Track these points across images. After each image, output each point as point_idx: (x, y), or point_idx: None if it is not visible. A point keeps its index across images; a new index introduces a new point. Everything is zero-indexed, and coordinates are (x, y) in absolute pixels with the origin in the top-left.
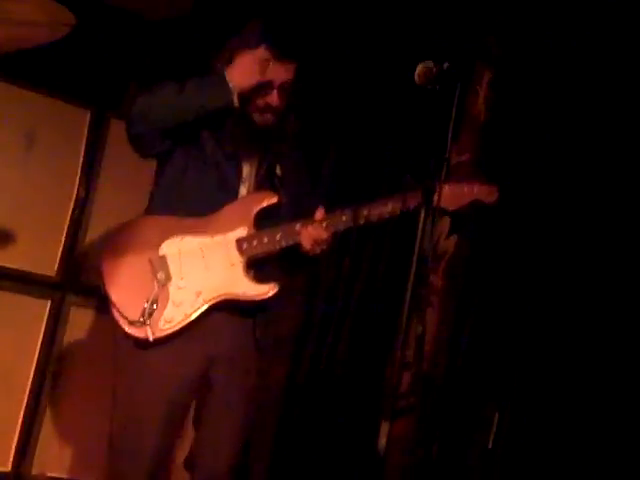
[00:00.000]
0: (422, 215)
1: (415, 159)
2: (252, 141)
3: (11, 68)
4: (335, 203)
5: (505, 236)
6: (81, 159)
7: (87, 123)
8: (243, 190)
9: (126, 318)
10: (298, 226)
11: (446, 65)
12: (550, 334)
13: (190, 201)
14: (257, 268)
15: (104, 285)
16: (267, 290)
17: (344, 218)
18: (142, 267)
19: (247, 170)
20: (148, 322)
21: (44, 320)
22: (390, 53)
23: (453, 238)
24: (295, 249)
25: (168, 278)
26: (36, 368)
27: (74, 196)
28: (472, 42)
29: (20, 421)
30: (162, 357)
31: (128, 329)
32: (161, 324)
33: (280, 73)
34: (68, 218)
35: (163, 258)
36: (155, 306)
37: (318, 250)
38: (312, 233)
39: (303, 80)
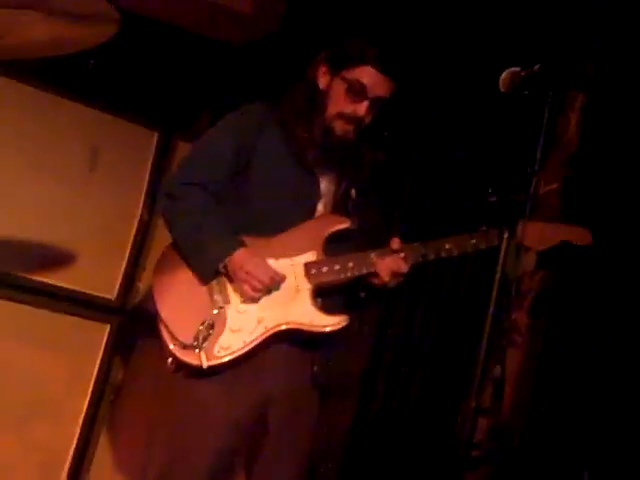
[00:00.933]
0: (504, 244)
1: (500, 174)
2: (330, 156)
3: (78, 85)
4: (411, 235)
5: (597, 274)
6: (146, 181)
7: (154, 145)
8: (320, 207)
9: (178, 340)
10: (373, 255)
11: (537, 67)
12: None
13: (262, 217)
14: (324, 298)
15: (154, 302)
16: (337, 321)
17: (424, 250)
18: (198, 287)
19: (325, 186)
20: (202, 347)
21: (102, 346)
22: (473, 66)
23: (540, 275)
24: (366, 280)
25: (226, 301)
26: (91, 397)
27: (137, 219)
28: (565, 62)
29: (72, 452)
30: (214, 395)
31: (179, 353)
32: (216, 350)
33: (379, 87)
34: (130, 241)
35: (222, 280)
36: (211, 331)
37: (394, 283)
38: (390, 264)
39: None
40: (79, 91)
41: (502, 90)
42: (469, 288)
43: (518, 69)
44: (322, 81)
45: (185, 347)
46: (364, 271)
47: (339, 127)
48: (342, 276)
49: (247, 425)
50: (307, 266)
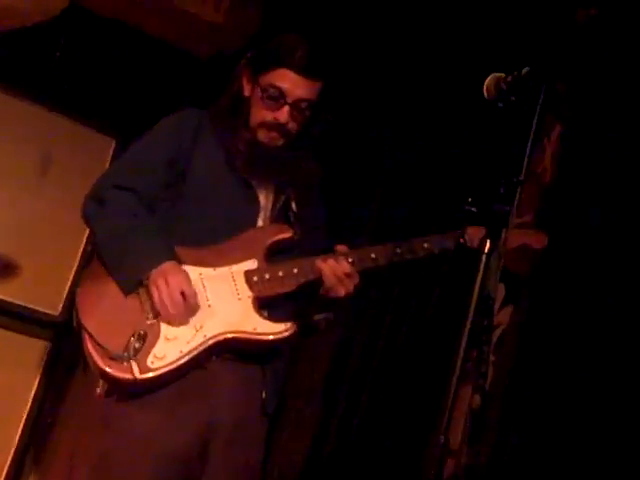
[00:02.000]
0: (483, 256)
1: (479, 183)
2: (262, 167)
3: (35, 86)
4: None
5: (568, 310)
6: None
7: (111, 153)
8: (260, 221)
9: (105, 351)
10: (319, 261)
11: (525, 71)
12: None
13: (198, 231)
14: (271, 309)
15: (77, 312)
16: (282, 329)
17: (373, 255)
18: (127, 299)
19: (263, 198)
20: (134, 358)
21: (41, 365)
22: (454, 69)
23: (508, 309)
24: (316, 295)
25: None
26: (27, 417)
27: (88, 231)
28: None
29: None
30: (149, 420)
31: (108, 367)
32: (149, 361)
33: (298, 90)
34: (79, 255)
35: None
36: (143, 342)
37: (342, 290)
38: (334, 267)
39: (334, 110)
40: (36, 92)
41: (486, 96)
42: (438, 311)
43: (503, 74)
44: (246, 87)
45: (114, 359)
46: (310, 277)
47: (263, 136)
48: (286, 282)
49: (187, 456)
50: (248, 274)
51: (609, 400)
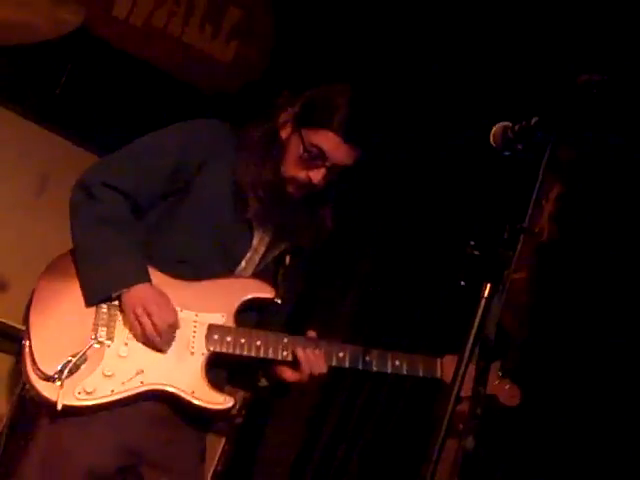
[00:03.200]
0: (482, 300)
1: (483, 228)
2: (271, 212)
3: (37, 107)
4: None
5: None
6: None
7: None
8: (243, 264)
9: (38, 368)
10: (287, 340)
11: (535, 120)
12: None
13: (178, 253)
14: (215, 368)
15: (28, 313)
16: (221, 401)
17: (341, 354)
18: (83, 315)
19: (256, 242)
20: (62, 383)
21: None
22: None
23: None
24: (273, 369)
25: (109, 338)
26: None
27: None
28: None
29: None
30: (73, 437)
31: (36, 383)
32: (77, 391)
33: (339, 155)
34: None
35: (113, 312)
36: (79, 367)
37: (308, 384)
38: (313, 360)
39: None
40: (39, 113)
41: (493, 144)
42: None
43: (510, 123)
44: (284, 129)
45: (46, 379)
46: (270, 355)
47: (290, 189)
48: (245, 352)
49: (105, 474)
50: (211, 329)
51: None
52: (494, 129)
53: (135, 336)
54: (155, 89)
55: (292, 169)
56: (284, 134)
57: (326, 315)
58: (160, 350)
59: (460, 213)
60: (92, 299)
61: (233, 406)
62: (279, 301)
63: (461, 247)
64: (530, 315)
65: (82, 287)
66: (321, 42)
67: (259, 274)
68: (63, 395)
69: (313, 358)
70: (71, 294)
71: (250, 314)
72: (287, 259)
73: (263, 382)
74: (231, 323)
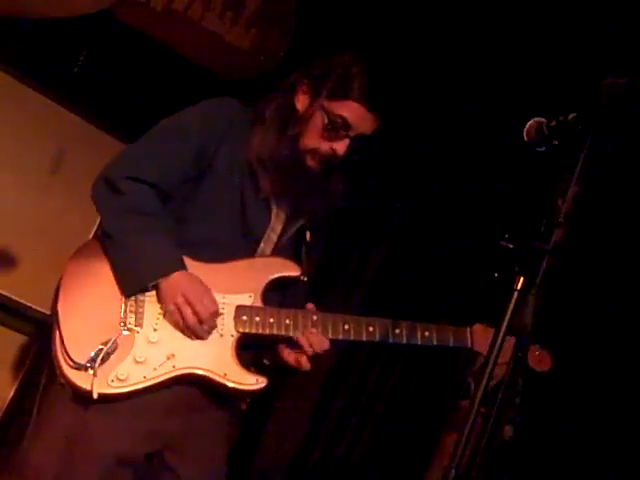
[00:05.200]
0: (515, 293)
1: (516, 222)
2: (289, 187)
3: (55, 85)
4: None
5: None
6: None
7: None
8: (262, 244)
9: (69, 357)
10: (315, 317)
11: (572, 116)
12: None
13: (199, 236)
14: (246, 350)
15: (56, 303)
16: (254, 382)
17: (371, 328)
18: (111, 302)
19: (274, 220)
20: (95, 371)
21: (26, 364)
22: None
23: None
24: (279, 349)
25: (138, 325)
26: (3, 415)
27: (92, 234)
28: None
29: None
30: (100, 424)
31: (69, 373)
32: (110, 379)
33: (363, 125)
34: None
35: (140, 299)
36: (110, 355)
37: (307, 365)
38: (314, 342)
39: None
40: (57, 91)
41: (526, 139)
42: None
43: (544, 119)
44: (301, 101)
45: (78, 367)
46: (298, 334)
47: (310, 162)
48: (275, 332)
49: (133, 460)
50: (239, 310)
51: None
52: (528, 125)
53: (172, 323)
54: (172, 72)
55: (314, 141)
56: (301, 106)
57: (344, 290)
58: (200, 338)
59: (496, 205)
60: (129, 290)
61: (266, 386)
62: (305, 278)
63: (496, 240)
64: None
65: (117, 278)
66: (341, 26)
67: (278, 252)
68: (98, 384)
69: (313, 338)
70: (99, 282)
71: (275, 293)
72: (307, 235)
73: (265, 362)
74: (259, 303)
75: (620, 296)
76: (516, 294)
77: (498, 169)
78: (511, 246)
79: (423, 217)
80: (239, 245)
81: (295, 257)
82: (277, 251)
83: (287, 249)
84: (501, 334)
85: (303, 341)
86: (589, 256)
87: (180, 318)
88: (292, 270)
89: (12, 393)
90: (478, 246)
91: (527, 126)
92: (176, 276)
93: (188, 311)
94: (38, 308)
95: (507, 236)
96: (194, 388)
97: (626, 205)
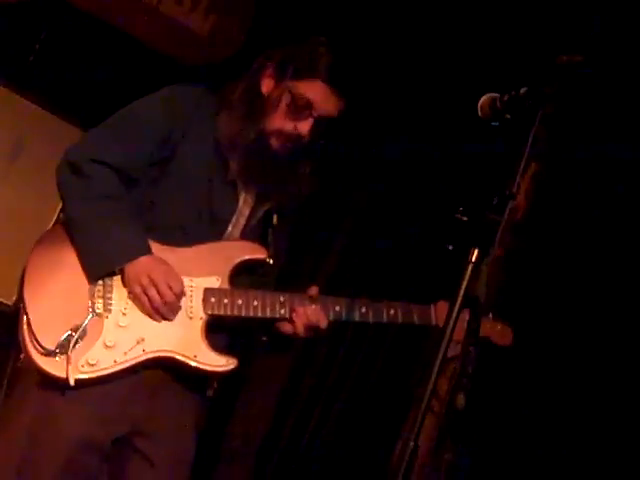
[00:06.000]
0: (469, 265)
1: (472, 195)
2: (256, 170)
3: (11, 73)
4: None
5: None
6: None
7: None
8: (230, 228)
9: (38, 344)
10: (284, 299)
11: (524, 90)
12: None
13: (165, 221)
14: (214, 332)
15: (22, 289)
16: (224, 363)
17: (337, 308)
18: (78, 287)
19: (243, 202)
20: (69, 358)
21: None
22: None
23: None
24: (273, 325)
25: (107, 310)
26: None
27: (52, 222)
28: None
29: None
30: (68, 411)
31: (39, 361)
32: (80, 364)
33: (327, 105)
34: None
35: (108, 284)
36: (79, 340)
37: (306, 335)
38: (311, 316)
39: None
40: (12, 79)
41: (480, 115)
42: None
43: (497, 94)
44: (266, 84)
45: (47, 354)
46: (268, 314)
47: (275, 144)
48: (243, 314)
49: (100, 445)
50: (207, 292)
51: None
52: (481, 100)
53: (140, 307)
54: (130, 59)
55: (278, 122)
56: (265, 89)
57: (312, 271)
58: (166, 319)
59: (449, 179)
60: (95, 274)
61: (236, 367)
62: (271, 261)
63: (450, 212)
64: (504, 294)
65: (83, 262)
66: (300, 11)
67: (246, 236)
68: (68, 369)
69: (311, 314)
70: (65, 268)
71: (243, 276)
72: (274, 219)
73: (264, 338)
74: (226, 286)
75: (581, 273)
76: (470, 266)
77: (453, 143)
78: (465, 219)
79: (382, 196)
80: (206, 229)
81: (262, 240)
82: (245, 235)
83: (255, 232)
84: (457, 306)
85: (300, 313)
86: (551, 233)
87: (146, 300)
88: (258, 253)
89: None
90: (433, 220)
91: (481, 101)
92: (142, 260)
93: (153, 292)
94: None
95: (461, 209)
96: (161, 371)
97: (587, 187)
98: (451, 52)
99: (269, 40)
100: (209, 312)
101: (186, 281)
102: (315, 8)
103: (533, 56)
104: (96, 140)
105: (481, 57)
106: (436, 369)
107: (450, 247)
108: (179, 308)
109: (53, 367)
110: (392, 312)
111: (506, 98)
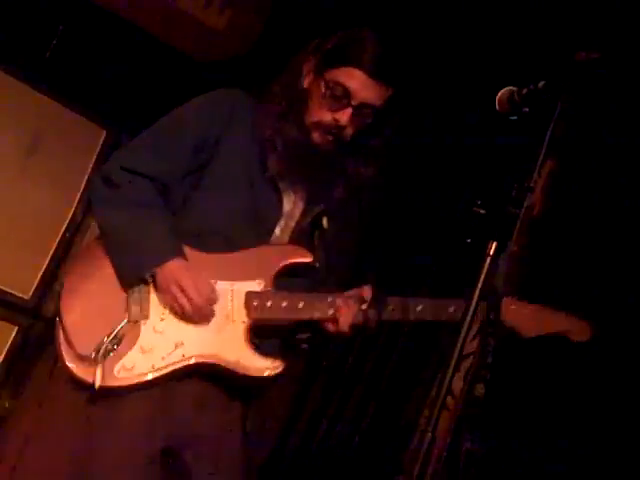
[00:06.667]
0: (487, 259)
1: (490, 188)
2: (300, 170)
3: (30, 69)
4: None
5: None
6: (84, 180)
7: (99, 144)
8: (277, 231)
9: (73, 349)
10: (332, 299)
11: (542, 84)
12: None
13: (207, 228)
14: (258, 337)
15: (60, 299)
16: (270, 366)
17: (391, 308)
18: (116, 292)
19: (288, 205)
20: (100, 362)
21: (5, 349)
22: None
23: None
24: (316, 324)
25: (144, 315)
26: None
27: (69, 218)
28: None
29: None
30: (103, 421)
31: (71, 365)
32: (116, 370)
33: (366, 93)
34: (57, 240)
35: (144, 290)
36: (116, 345)
37: (349, 334)
38: (356, 314)
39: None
40: (32, 75)
41: (498, 109)
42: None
43: (515, 88)
44: (306, 77)
45: (81, 359)
46: (315, 316)
47: (316, 137)
48: (288, 316)
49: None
50: (249, 296)
51: None
52: (500, 94)
53: (173, 314)
54: (146, 54)
55: (316, 114)
56: (306, 83)
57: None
58: (200, 324)
59: (468, 173)
60: (126, 281)
61: (282, 371)
62: (317, 265)
63: (468, 206)
64: (520, 289)
65: (116, 270)
66: (316, 7)
67: (296, 239)
68: (102, 375)
69: (358, 313)
70: (102, 277)
71: (288, 281)
72: (324, 221)
73: (303, 334)
74: (269, 290)
75: (598, 270)
76: (488, 259)
77: (471, 137)
78: (483, 212)
79: (398, 187)
80: (251, 233)
81: (310, 244)
82: (294, 238)
83: (304, 236)
84: (475, 298)
85: (344, 314)
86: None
87: (178, 307)
88: (304, 256)
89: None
90: (452, 213)
91: (499, 95)
92: (169, 265)
93: (184, 300)
94: (14, 292)
95: (479, 202)
96: (207, 383)
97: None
98: (469, 45)
99: (286, 34)
100: (252, 316)
101: (226, 285)
102: (331, 5)
103: (551, 49)
104: (128, 151)
105: (499, 51)
106: (454, 362)
107: (468, 240)
108: (212, 313)
109: (85, 373)
110: (451, 309)
111: (524, 91)
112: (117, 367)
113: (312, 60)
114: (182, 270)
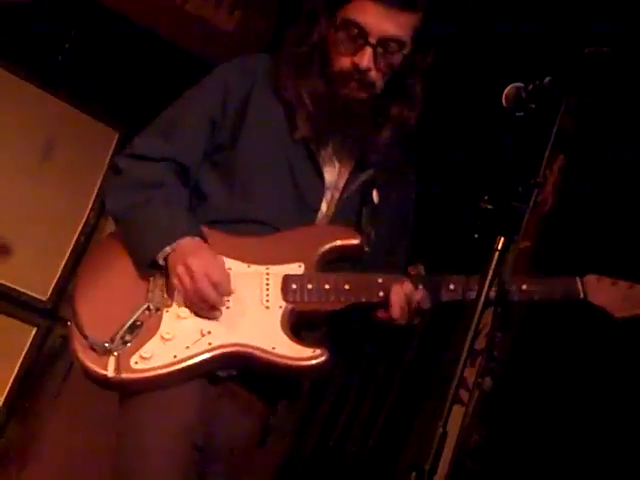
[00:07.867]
0: (496, 253)
1: (497, 183)
2: (339, 133)
3: (44, 73)
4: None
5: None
6: (99, 183)
7: (113, 146)
8: (324, 207)
9: (85, 337)
10: (382, 281)
11: (548, 80)
12: None
13: (238, 209)
14: (300, 327)
15: (74, 291)
16: (310, 355)
17: (452, 287)
18: (134, 283)
19: (330, 177)
20: (117, 351)
21: (24, 350)
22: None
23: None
24: (365, 312)
25: (166, 302)
26: (5, 401)
27: (83, 220)
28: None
29: None
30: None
31: (81, 354)
32: (133, 361)
33: (384, 25)
34: (73, 242)
35: (166, 274)
36: (134, 333)
37: (404, 322)
38: (410, 295)
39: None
40: (46, 79)
41: (505, 105)
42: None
43: (522, 84)
44: (320, 26)
45: (92, 347)
46: (362, 299)
47: (342, 89)
48: (331, 299)
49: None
50: (287, 279)
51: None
52: (506, 90)
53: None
54: (158, 57)
55: (337, 63)
56: (319, 31)
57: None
58: (230, 311)
59: (475, 167)
60: (140, 266)
61: (326, 361)
62: (367, 248)
63: (475, 201)
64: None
65: (130, 257)
66: None
67: (342, 213)
68: (116, 366)
69: (410, 292)
70: (117, 267)
71: (333, 266)
72: (374, 195)
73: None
74: (310, 272)
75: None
76: (496, 254)
77: (478, 134)
78: (490, 207)
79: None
80: (293, 211)
81: (358, 222)
82: (340, 211)
83: (352, 209)
84: (483, 293)
85: (396, 294)
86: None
87: (183, 291)
88: (351, 238)
89: (12, 379)
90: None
91: (505, 91)
92: (181, 244)
93: (187, 279)
94: (32, 294)
95: (486, 197)
96: (236, 380)
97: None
98: (475, 42)
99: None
100: (290, 299)
101: (260, 269)
102: None
103: (558, 45)
104: (137, 139)
105: (505, 47)
106: (464, 355)
107: (476, 235)
108: (224, 301)
109: (98, 364)
110: (524, 287)
111: (530, 88)
112: (134, 357)
113: (319, 5)
114: (190, 247)
